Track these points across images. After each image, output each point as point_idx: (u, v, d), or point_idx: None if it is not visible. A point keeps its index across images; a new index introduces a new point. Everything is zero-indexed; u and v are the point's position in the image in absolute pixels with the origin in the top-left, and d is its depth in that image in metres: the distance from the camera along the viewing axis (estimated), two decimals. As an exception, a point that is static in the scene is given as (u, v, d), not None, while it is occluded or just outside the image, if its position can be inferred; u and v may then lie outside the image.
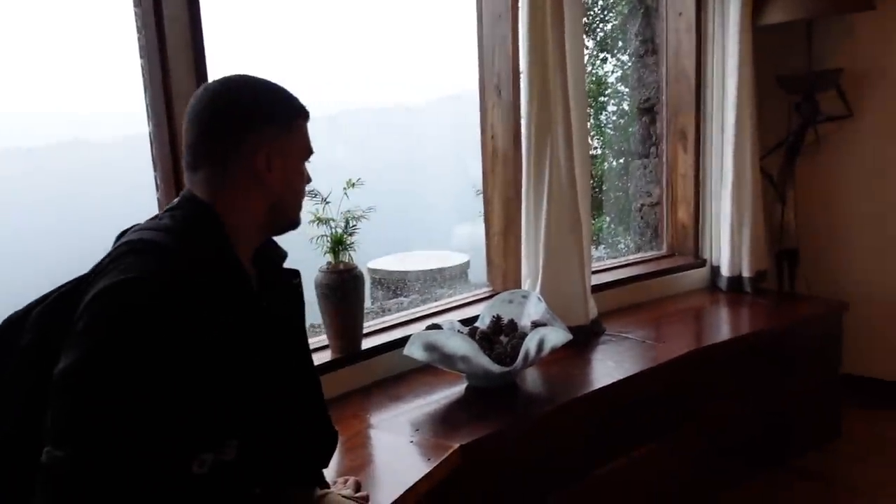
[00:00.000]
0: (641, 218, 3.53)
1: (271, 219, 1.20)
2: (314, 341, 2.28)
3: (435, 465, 1.70)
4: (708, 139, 3.16)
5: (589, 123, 5.64)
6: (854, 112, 3.11)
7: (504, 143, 2.65)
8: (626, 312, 2.90)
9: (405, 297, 3.58)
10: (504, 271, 2.76)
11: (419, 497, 1.63)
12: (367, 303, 3.89)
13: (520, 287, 2.61)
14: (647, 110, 3.42)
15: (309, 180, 1.28)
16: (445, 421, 1.98)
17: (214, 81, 1.22)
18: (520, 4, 2.42)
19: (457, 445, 1.79)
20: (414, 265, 5.27)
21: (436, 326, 2.18)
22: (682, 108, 3.20)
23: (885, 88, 3.10)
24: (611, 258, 3.37)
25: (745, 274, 3.06)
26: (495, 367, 2.02)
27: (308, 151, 1.25)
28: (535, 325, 2.20)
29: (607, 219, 4.52)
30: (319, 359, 2.19)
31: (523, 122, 2.47)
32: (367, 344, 2.31)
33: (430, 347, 2.07)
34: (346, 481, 1.55)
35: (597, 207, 5.29)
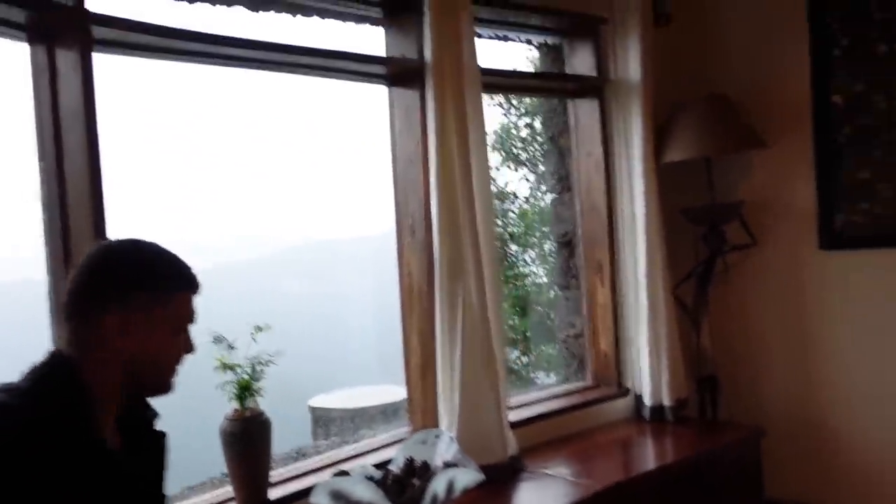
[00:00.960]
0: (567, 349, 3.56)
1: (131, 381, 1.19)
2: (220, 493, 2.21)
3: None
4: (622, 271, 3.26)
5: (534, 252, 5.75)
6: (757, 241, 3.26)
7: (419, 281, 2.70)
8: (550, 447, 2.87)
9: (336, 437, 3.51)
10: (423, 409, 2.74)
11: None
12: (308, 441, 3.78)
13: (438, 425, 2.59)
14: (566, 244, 3.53)
15: (189, 349, 1.29)
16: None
17: (110, 240, 1.26)
18: (429, 150, 2.53)
19: None
20: (355, 402, 5.19)
21: (343, 473, 2.12)
22: (596, 241, 3.32)
23: (783, 217, 3.28)
24: (542, 390, 3.37)
25: (666, 403, 3.09)
26: (401, 515, 1.97)
27: (185, 321, 1.27)
28: (447, 465, 2.17)
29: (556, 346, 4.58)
30: (222, 512, 2.12)
31: (436, 262, 2.53)
32: (277, 493, 2.24)
33: (337, 496, 2.01)
34: None
35: (546, 333, 5.35)
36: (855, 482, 3.16)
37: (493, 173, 4.87)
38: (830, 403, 3.22)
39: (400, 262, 2.76)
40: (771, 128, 3.22)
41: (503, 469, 2.50)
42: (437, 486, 2.01)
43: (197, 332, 1.38)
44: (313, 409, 5.23)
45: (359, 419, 4.83)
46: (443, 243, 2.49)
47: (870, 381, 3.13)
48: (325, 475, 2.35)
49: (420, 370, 2.73)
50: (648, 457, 2.86)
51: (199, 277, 1.30)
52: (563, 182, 3.49)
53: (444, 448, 2.27)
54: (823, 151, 3.19)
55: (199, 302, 1.32)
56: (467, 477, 2.08)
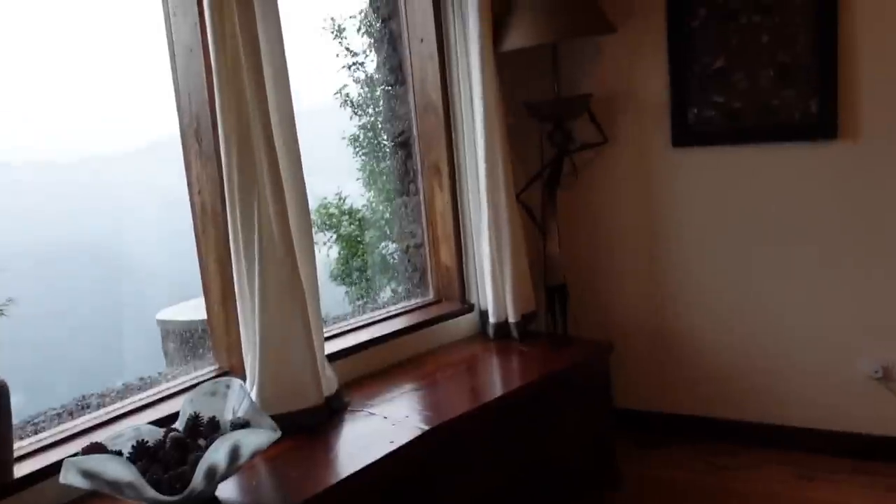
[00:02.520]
0: (409, 261, 3.23)
1: None
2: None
3: None
4: (463, 174, 2.92)
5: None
6: (608, 138, 2.98)
7: (212, 199, 2.25)
8: (384, 375, 2.57)
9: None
10: (227, 345, 2.35)
11: None
12: (161, 361, 3.29)
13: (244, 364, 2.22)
14: (403, 144, 3.13)
15: None
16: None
17: None
18: (208, 35, 2.03)
19: None
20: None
21: (97, 445, 1.71)
22: (433, 141, 2.94)
23: (634, 112, 3.00)
24: (378, 309, 3.04)
25: (512, 319, 2.84)
26: (165, 498, 1.60)
27: None
28: (234, 425, 1.81)
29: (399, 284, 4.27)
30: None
31: (225, 175, 2.08)
32: (29, 467, 1.82)
33: (89, 475, 1.61)
34: None
35: (388, 270, 5.00)
36: (701, 388, 3.07)
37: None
38: (678, 310, 3.07)
39: (188, 175, 2.30)
40: (621, 11, 2.89)
41: (318, 413, 2.17)
42: (216, 456, 1.65)
43: None
44: (162, 323, 4.74)
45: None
46: (230, 149, 2.03)
47: (718, 286, 2.99)
48: (102, 435, 1.96)
49: (220, 302, 2.33)
50: (487, 385, 2.59)
51: None
52: (395, 73, 3.05)
53: (236, 400, 1.90)
54: (676, 37, 2.90)
55: None
56: (256, 439, 1.73)
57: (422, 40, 2.86)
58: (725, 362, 3.01)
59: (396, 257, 3.75)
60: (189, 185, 2.30)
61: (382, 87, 3.15)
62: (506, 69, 2.80)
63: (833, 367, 2.83)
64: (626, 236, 3.11)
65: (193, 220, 2.32)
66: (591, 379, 2.70)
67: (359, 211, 6.00)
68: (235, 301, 2.19)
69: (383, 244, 4.73)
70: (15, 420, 2.11)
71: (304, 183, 2.22)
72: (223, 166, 2.07)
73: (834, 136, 2.71)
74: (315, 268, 2.27)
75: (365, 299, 4.44)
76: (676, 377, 3.10)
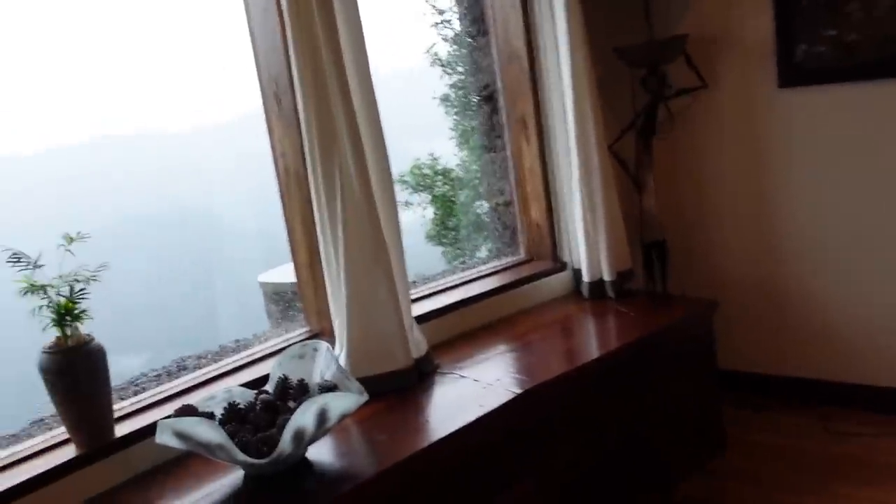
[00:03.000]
0: (498, 219, 3.14)
1: None
2: (55, 434, 1.83)
3: None
4: (552, 127, 2.79)
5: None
6: (708, 82, 2.78)
7: (295, 162, 2.22)
8: (473, 337, 2.51)
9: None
10: (317, 310, 2.34)
11: None
12: (264, 322, 3.36)
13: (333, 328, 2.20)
14: (488, 98, 3.03)
15: None
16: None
17: None
18: (281, -7, 1.98)
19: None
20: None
21: (189, 409, 1.73)
22: (519, 94, 2.82)
23: (735, 52, 2.78)
24: (465, 270, 2.98)
25: (607, 277, 2.71)
26: (254, 461, 1.60)
27: None
28: (322, 388, 1.79)
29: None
30: (59, 457, 1.74)
31: (304, 138, 2.04)
32: (129, 427, 1.87)
33: (182, 436, 1.63)
34: None
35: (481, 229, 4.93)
36: (813, 348, 2.87)
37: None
38: (788, 265, 2.86)
39: (271, 138, 2.28)
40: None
41: (407, 375, 2.13)
42: (304, 419, 1.63)
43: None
44: (263, 285, 4.86)
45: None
46: (308, 111, 1.99)
47: (832, 239, 2.77)
48: (197, 396, 1.98)
49: (308, 265, 2.32)
50: (583, 346, 2.49)
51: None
52: (478, 24, 2.93)
53: (324, 363, 1.89)
54: (783, -35, 2.65)
55: None
56: (344, 402, 1.70)
57: (504, -13, 2.73)
58: (840, 321, 2.79)
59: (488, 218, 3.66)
60: (272, 147, 2.28)
61: (465, 39, 3.04)
62: (593, 12, 2.63)
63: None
64: (730, 187, 2.92)
65: (278, 182, 2.30)
66: (694, 339, 2.55)
67: (452, 170, 5.93)
68: (322, 264, 2.17)
69: (477, 203, 4.65)
70: (118, 381, 2.18)
71: (384, 143, 2.15)
72: (302, 127, 2.03)
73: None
74: (399, 228, 2.21)
75: (461, 259, 4.38)
76: (785, 337, 2.91)
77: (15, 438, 1.84)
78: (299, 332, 2.41)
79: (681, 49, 2.71)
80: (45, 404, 1.86)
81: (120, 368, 2.26)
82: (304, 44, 1.95)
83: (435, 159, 6.00)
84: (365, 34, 2.09)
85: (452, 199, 5.96)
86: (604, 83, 2.69)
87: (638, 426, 2.34)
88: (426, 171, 6.44)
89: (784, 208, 2.82)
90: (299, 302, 2.46)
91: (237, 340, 2.51)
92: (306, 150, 2.04)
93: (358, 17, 2.08)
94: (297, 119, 2.09)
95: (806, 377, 2.89)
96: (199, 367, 2.27)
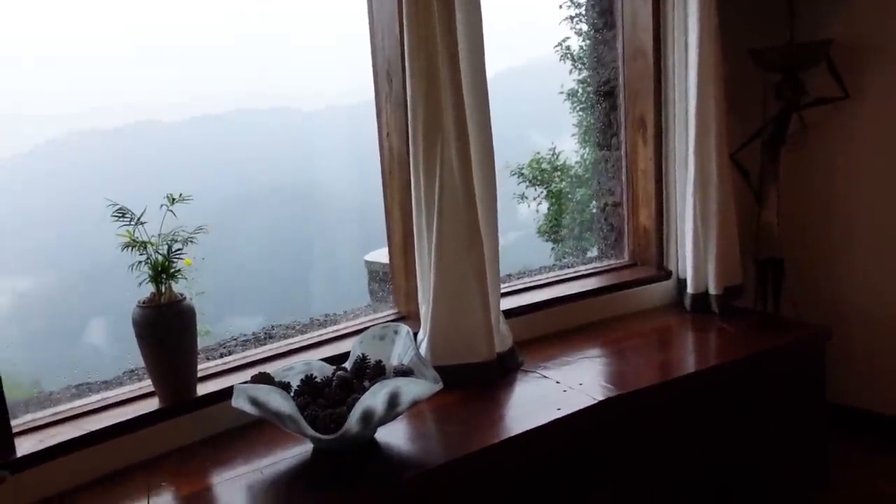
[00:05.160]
0: (605, 220, 3.03)
1: None
2: (141, 386, 1.91)
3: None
4: (671, 129, 2.65)
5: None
6: (850, 93, 2.56)
7: (399, 143, 2.22)
8: (563, 338, 2.43)
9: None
10: (406, 291, 2.34)
11: None
12: (366, 298, 3.43)
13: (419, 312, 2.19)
14: (608, 94, 2.91)
15: None
16: (268, 496, 1.58)
17: None
18: (400, -27, 1.96)
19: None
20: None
21: (264, 376, 1.75)
22: (640, 91, 2.70)
23: (887, 63, 2.54)
24: (563, 268, 2.89)
25: (713, 291, 2.55)
26: (321, 436, 1.60)
27: None
28: (397, 372, 1.77)
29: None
30: (143, 408, 1.82)
31: (410, 122, 2.02)
32: (211, 387, 1.92)
33: (255, 402, 1.66)
34: None
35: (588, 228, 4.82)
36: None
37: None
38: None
39: (379, 120, 2.28)
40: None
41: (488, 369, 2.08)
42: (373, 400, 1.62)
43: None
44: (368, 264, 4.99)
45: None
46: (416, 93, 1.97)
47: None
48: (280, 364, 2.02)
49: (402, 248, 2.31)
50: (677, 359, 2.35)
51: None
52: (604, 16, 2.82)
53: (402, 347, 1.87)
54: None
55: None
56: (416, 388, 1.68)
57: (635, -21, 2.61)
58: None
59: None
60: (379, 127, 2.29)
61: (590, 31, 2.94)
62: (731, 9, 2.47)
63: None
64: (864, 208, 2.68)
65: (381, 163, 2.31)
66: (803, 367, 2.37)
67: (571, 167, 5.82)
68: (415, 248, 2.16)
69: (594, 203, 4.55)
70: (209, 342, 2.26)
71: (490, 133, 2.10)
72: (409, 109, 2.02)
73: None
74: (496, 221, 2.16)
75: (570, 257, 4.28)
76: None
77: (106, 385, 1.93)
78: (387, 313, 2.41)
79: (823, 54, 2.51)
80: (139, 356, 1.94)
81: (232, 328, 2.35)
82: (419, 27, 1.93)
83: (555, 155, 5.89)
84: (484, 29, 2.04)
85: (569, 195, 5.84)
86: (733, 86, 2.52)
87: (729, 453, 2.20)
88: (545, 165, 6.34)
89: (923, 238, 2.57)
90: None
91: (326, 315, 2.54)
92: (410, 132, 2.02)
93: (479, 13, 2.03)
94: (406, 102, 2.08)
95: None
96: (286, 337, 2.32)
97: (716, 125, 2.47)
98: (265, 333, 2.41)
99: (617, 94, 2.83)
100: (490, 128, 2.10)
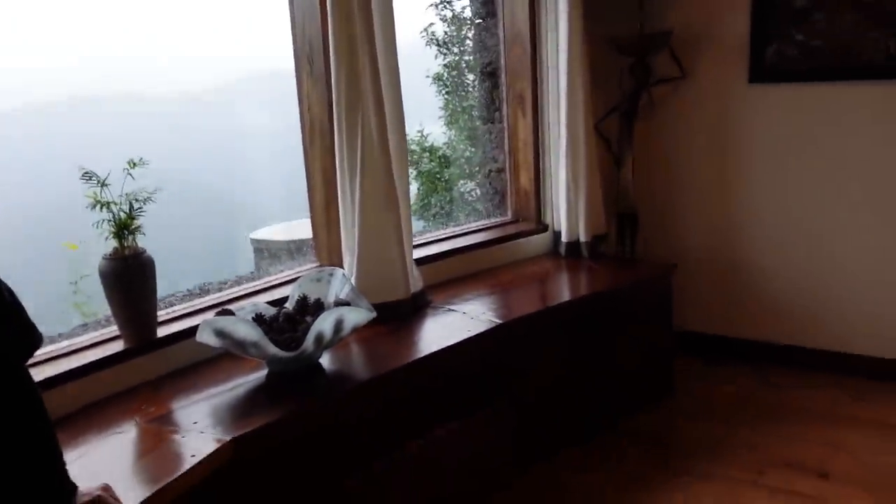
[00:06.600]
0: (490, 184, 3.49)
1: None
2: (107, 331, 2.16)
3: (198, 461, 1.62)
4: (546, 104, 3.13)
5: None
6: (686, 74, 3.13)
7: (320, 114, 2.55)
8: (462, 282, 2.86)
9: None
10: (328, 246, 2.68)
11: (179, 496, 1.55)
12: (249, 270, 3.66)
13: (342, 263, 2.54)
14: (491, 74, 3.35)
15: None
16: (233, 411, 1.90)
17: None
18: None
19: (229, 438, 1.71)
20: (295, 234, 5.13)
21: (228, 312, 2.07)
22: (519, 72, 3.15)
23: (714, 50, 3.12)
24: (459, 225, 3.33)
25: (583, 239, 3.07)
26: (283, 353, 1.94)
27: None
28: (338, 303, 2.14)
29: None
30: (110, 349, 2.08)
31: (333, 94, 2.36)
32: (167, 330, 2.20)
33: (221, 334, 1.97)
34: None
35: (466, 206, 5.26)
36: (763, 315, 3.25)
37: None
38: (745, 241, 3.24)
39: (299, 92, 2.59)
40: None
41: (404, 306, 2.48)
42: (323, 325, 1.98)
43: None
44: (255, 241, 5.18)
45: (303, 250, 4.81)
46: (339, 74, 2.31)
47: (785, 220, 3.14)
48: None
49: (324, 208, 2.64)
50: (556, 292, 2.86)
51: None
52: (486, 6, 3.25)
53: (338, 286, 2.23)
54: (760, -25, 2.99)
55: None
56: (357, 315, 2.05)
57: (512, -25, 3.05)
58: (788, 292, 3.17)
59: (475, 195, 4.00)
60: (300, 101, 2.60)
61: (474, 19, 3.35)
62: (593, 4, 2.96)
63: (893, 300, 2.96)
64: (698, 168, 3.27)
65: (302, 133, 2.62)
66: (653, 296, 2.93)
67: (440, 149, 6.20)
68: (337, 207, 2.50)
69: (462, 182, 4.98)
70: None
71: (402, 105, 2.48)
72: (332, 87, 2.35)
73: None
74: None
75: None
76: (739, 303, 3.29)
77: (65, 335, 2.16)
78: (308, 266, 2.75)
79: (666, 43, 3.05)
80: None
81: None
82: (342, 19, 2.26)
83: (423, 136, 6.25)
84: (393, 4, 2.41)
85: (438, 175, 6.23)
86: (596, 67, 3.02)
87: (599, 366, 2.72)
88: (413, 147, 6.71)
89: (743, 190, 3.19)
90: (308, 246, 2.79)
91: (252, 272, 2.85)
92: (334, 106, 2.36)
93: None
94: (326, 77, 2.41)
95: (751, 338, 3.28)
96: (221, 290, 2.61)
97: (582, 100, 2.96)
98: (201, 289, 2.69)
99: (499, 74, 3.27)
100: (401, 99, 2.48)
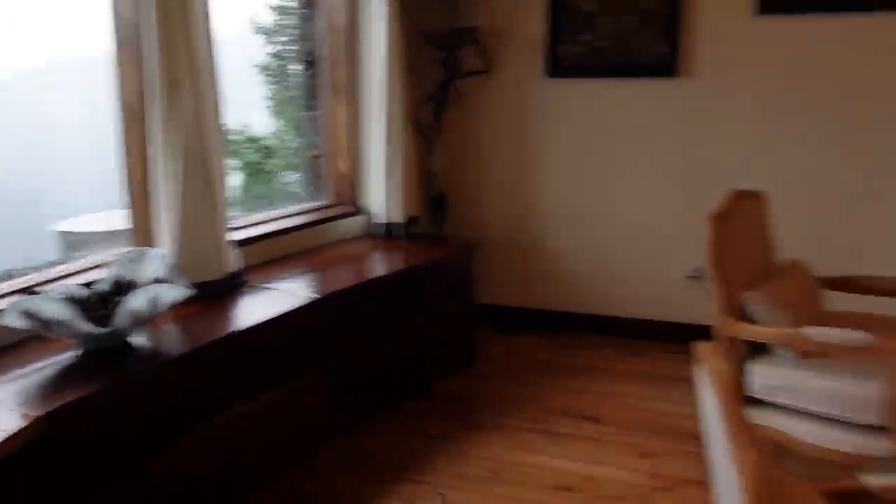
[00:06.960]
0: (311, 169, 3.62)
1: None
2: None
3: (6, 437, 1.66)
4: (364, 92, 3.30)
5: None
6: (491, 68, 3.41)
7: (138, 101, 2.57)
8: (281, 262, 2.99)
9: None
10: (144, 231, 2.70)
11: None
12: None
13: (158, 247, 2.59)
14: (311, 63, 3.48)
15: None
16: (42, 390, 1.93)
17: None
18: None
19: (35, 415, 1.75)
20: (108, 225, 4.96)
21: (34, 293, 2.09)
22: (339, 61, 3.30)
23: (516, 47, 3.44)
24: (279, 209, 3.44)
25: (396, 220, 3.29)
26: (96, 330, 2.00)
27: None
28: (156, 281, 2.20)
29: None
30: None
31: (150, 79, 2.40)
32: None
33: (28, 315, 1.99)
34: None
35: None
36: (552, 286, 3.65)
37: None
38: (539, 221, 3.60)
39: (119, 78, 2.59)
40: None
41: (221, 285, 2.58)
42: (138, 301, 2.04)
43: None
44: (64, 234, 4.95)
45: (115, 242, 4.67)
46: (157, 55, 2.36)
47: (573, 201, 3.53)
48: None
49: (141, 192, 2.67)
50: (369, 270, 3.06)
51: None
52: (308, -4, 3.37)
53: (155, 265, 2.29)
54: (554, -18, 3.32)
55: None
56: (173, 292, 2.13)
57: (329, -33, 3.18)
58: (577, 266, 3.58)
59: (297, 183, 4.12)
60: (119, 87, 2.60)
61: (297, 8, 3.45)
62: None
63: (660, 270, 3.42)
64: (501, 154, 3.59)
65: (120, 119, 2.62)
66: (457, 272, 3.22)
67: (263, 139, 6.15)
68: (155, 192, 2.55)
69: (284, 174, 5.04)
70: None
71: (219, 90, 2.56)
72: (149, 71, 2.39)
73: (676, 74, 3.23)
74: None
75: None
76: (536, 278, 3.66)
77: None
78: (126, 250, 2.76)
79: (473, 38, 3.32)
80: None
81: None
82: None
83: (245, 126, 6.18)
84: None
85: (260, 165, 6.20)
86: (411, 59, 3.23)
87: (409, 336, 2.96)
88: (235, 136, 6.66)
89: (539, 174, 3.55)
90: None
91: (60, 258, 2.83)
92: (158, 93, 2.40)
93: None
94: (144, 62, 2.44)
95: (545, 308, 3.66)
96: (28, 275, 2.57)
97: (399, 90, 3.17)
98: (7, 274, 2.64)
99: (320, 63, 3.40)
100: (219, 84, 2.56)
